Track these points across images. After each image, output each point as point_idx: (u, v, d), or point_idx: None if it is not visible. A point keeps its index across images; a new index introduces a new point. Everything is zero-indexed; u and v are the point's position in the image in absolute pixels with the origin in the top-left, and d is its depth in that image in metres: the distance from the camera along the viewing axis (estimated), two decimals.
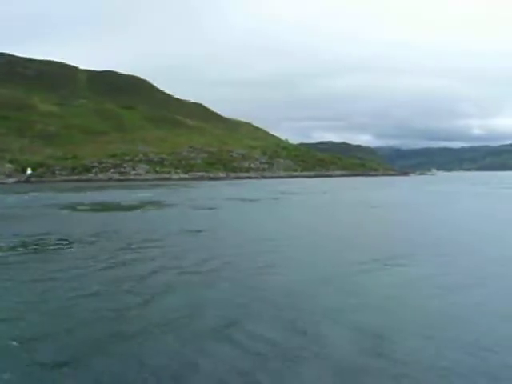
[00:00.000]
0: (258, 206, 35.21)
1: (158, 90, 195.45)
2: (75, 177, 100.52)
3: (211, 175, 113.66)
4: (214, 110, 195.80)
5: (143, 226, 21.35)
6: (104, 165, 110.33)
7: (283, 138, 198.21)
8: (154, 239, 16.61)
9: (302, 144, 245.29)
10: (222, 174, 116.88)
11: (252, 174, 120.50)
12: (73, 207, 32.33)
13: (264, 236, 17.73)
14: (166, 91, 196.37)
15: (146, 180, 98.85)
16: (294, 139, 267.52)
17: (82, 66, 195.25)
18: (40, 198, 42.48)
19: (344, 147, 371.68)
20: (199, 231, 19.35)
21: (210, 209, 31.25)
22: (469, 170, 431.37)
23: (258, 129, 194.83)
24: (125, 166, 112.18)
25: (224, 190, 59.86)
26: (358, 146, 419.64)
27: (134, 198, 42.35)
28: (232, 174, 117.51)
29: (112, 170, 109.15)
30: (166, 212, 29.77)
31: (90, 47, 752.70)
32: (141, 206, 33.62)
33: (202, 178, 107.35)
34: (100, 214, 29.52)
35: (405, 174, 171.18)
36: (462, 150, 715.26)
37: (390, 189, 63.73)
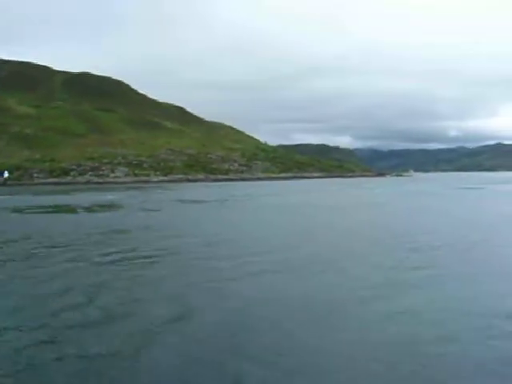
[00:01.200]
0: (200, 207, 36.22)
1: (137, 92, 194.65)
2: (53, 180, 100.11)
3: (190, 177, 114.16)
4: (194, 112, 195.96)
5: (67, 229, 21.83)
6: (82, 167, 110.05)
7: (262, 140, 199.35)
8: (61, 242, 17.23)
9: (281, 146, 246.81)
10: (201, 177, 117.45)
11: (231, 176, 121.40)
12: (21, 210, 33.12)
13: (172, 234, 19.20)
14: (145, 93, 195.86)
15: (125, 183, 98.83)
16: (274, 141, 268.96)
17: (57, 68, 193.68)
18: None
19: (323, 149, 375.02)
20: (119, 232, 20.30)
21: (154, 210, 32.23)
22: (446, 170, 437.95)
23: (237, 131, 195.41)
24: (103, 168, 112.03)
25: (190, 192, 60.91)
26: (337, 148, 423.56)
27: (96, 200, 43.29)
28: (211, 177, 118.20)
29: (90, 173, 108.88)
30: (109, 214, 30.68)
31: (65, 48, 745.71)
32: (91, 208, 34.69)
33: (181, 181, 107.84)
34: (39, 215, 29.81)
35: (381, 175, 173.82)
36: (439, 151, 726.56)
37: (349, 190, 66.07)
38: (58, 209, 34.97)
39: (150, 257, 13.91)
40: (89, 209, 34.14)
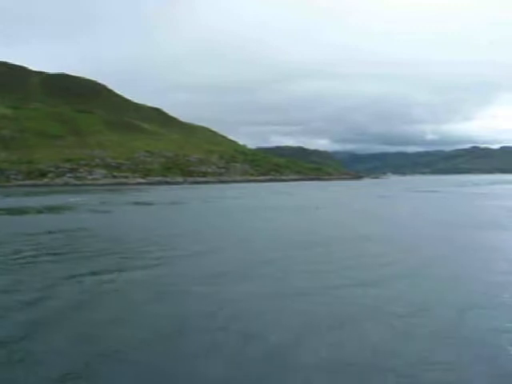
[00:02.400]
0: (149, 209, 37.44)
1: (115, 93, 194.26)
2: (30, 181, 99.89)
3: (169, 180, 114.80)
4: (172, 114, 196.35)
5: None
6: (60, 169, 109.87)
7: (241, 142, 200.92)
8: None
9: (259, 148, 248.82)
10: (179, 179, 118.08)
11: (209, 179, 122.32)
12: None
13: (89, 234, 20.49)
14: (123, 95, 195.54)
15: (103, 185, 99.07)
16: (253, 144, 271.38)
17: (34, 68, 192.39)
18: None
19: (301, 152, 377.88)
20: (48, 232, 21.18)
21: (101, 212, 33.30)
22: (423, 173, 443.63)
23: (215, 133, 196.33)
24: (81, 170, 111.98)
25: (157, 194, 61.85)
26: (316, 151, 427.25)
27: (54, 202, 44.39)
28: (189, 179, 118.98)
29: (68, 175, 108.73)
30: (46, 216, 31.63)
31: (41, 49, 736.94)
32: (40, 210, 35.89)
33: (159, 183, 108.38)
34: None
35: (359, 177, 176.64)
36: (417, 154, 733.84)
37: (311, 192, 67.83)
38: (5, 211, 35.52)
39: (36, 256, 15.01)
40: (37, 210, 35.27)
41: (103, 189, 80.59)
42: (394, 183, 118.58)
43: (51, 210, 36.16)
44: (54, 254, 15.16)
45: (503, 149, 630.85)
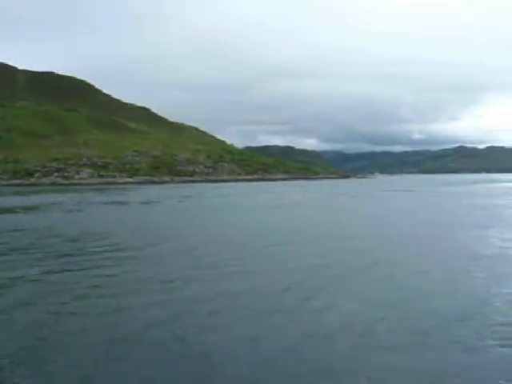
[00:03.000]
0: (122, 208, 38.03)
1: (102, 92, 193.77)
2: (17, 181, 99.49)
3: (156, 179, 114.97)
4: (159, 113, 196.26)
5: None
6: (47, 169, 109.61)
7: (229, 141, 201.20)
8: None
9: (247, 148, 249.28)
10: (166, 178, 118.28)
11: (197, 178, 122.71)
12: None
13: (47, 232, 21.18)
14: (110, 94, 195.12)
15: (90, 184, 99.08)
16: (240, 143, 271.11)
17: (20, 66, 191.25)
18: None
19: (289, 151, 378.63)
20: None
21: (72, 212, 33.96)
22: (411, 173, 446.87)
23: (203, 133, 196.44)
24: (68, 170, 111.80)
25: (138, 193, 62.45)
26: (304, 150, 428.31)
27: (35, 201, 44.75)
28: (177, 178, 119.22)
29: (55, 174, 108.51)
30: (12, 215, 32.28)
31: (28, 47, 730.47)
32: (16, 209, 36.40)
33: (146, 182, 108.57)
34: None
35: (345, 177, 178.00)
36: (404, 153, 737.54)
37: (289, 191, 68.93)
38: None
39: None
40: (11, 210, 35.75)
41: (89, 188, 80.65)
42: (373, 183, 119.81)
43: (26, 209, 36.46)
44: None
45: (489, 148, 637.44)
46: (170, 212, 34.28)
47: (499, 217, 27.48)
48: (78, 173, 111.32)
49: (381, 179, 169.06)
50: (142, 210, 37.21)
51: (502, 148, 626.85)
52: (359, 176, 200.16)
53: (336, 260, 14.03)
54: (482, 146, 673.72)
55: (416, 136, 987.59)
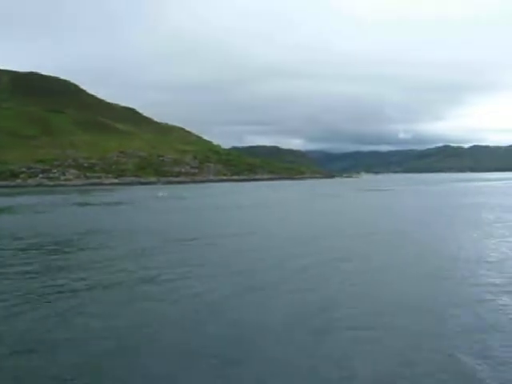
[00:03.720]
0: (93, 209, 38.84)
1: (87, 93, 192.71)
2: (2, 182, 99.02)
3: (142, 180, 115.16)
4: (146, 114, 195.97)
5: None
6: (33, 170, 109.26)
7: (215, 142, 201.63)
8: None
9: (234, 148, 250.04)
10: (153, 179, 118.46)
11: (183, 179, 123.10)
12: None
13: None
14: (95, 95, 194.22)
15: (76, 185, 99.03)
16: (227, 143, 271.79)
17: (3, 67, 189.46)
18: None
19: (276, 151, 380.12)
20: None
21: (39, 213, 34.89)
22: (396, 172, 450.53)
23: (189, 133, 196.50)
24: (54, 171, 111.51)
25: (116, 194, 63.08)
26: (290, 150, 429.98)
27: (6, 203, 45.69)
28: (163, 179, 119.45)
29: (41, 176, 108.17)
30: None
31: (11, 47, 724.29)
32: None
33: (132, 183, 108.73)
34: None
35: (331, 176, 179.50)
36: (390, 153, 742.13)
37: (267, 191, 70.51)
38: None
39: None
40: None
41: (74, 189, 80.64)
42: (354, 182, 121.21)
43: None
44: None
45: (474, 148, 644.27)
46: (126, 213, 34.66)
47: (444, 215, 28.91)
48: (63, 174, 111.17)
49: (365, 179, 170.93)
50: (107, 211, 37.51)
51: (487, 147, 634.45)
52: (345, 176, 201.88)
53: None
54: (466, 146, 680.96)
55: (402, 135, 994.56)
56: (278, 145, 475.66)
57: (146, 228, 23.65)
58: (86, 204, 44.03)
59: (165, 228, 23.64)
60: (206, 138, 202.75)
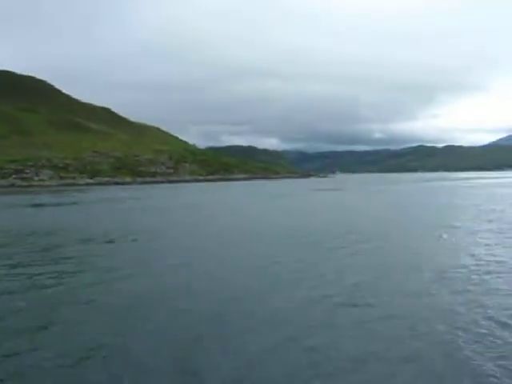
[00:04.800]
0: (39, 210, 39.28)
1: (61, 92, 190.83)
2: None
3: (118, 180, 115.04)
4: (120, 113, 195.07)
5: None
6: (5, 170, 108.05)
7: (192, 142, 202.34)
8: None
9: (210, 148, 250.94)
10: (128, 179, 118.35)
11: (158, 179, 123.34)
12: None
13: None
14: (70, 94, 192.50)
15: (50, 186, 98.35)
16: (203, 143, 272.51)
17: None
18: None
19: (252, 151, 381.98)
20: None
21: None
22: (372, 172, 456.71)
23: (165, 133, 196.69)
24: (27, 171, 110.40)
25: (78, 195, 62.66)
26: (266, 150, 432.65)
27: None
28: (139, 179, 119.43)
29: (14, 176, 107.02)
30: None
31: None
32: None
33: (107, 183, 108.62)
34: None
35: (305, 176, 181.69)
36: (365, 153, 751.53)
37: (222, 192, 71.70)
38: None
39: None
40: None
41: (47, 190, 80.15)
42: (320, 182, 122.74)
43: None
44: None
45: (447, 148, 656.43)
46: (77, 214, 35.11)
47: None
48: (37, 174, 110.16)
49: (338, 178, 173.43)
50: (41, 212, 37.76)
51: (460, 147, 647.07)
52: (321, 175, 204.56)
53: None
54: (440, 145, 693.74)
55: (377, 135, 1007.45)
56: (254, 145, 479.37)
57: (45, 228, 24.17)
58: (41, 205, 44.11)
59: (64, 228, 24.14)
60: (182, 138, 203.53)
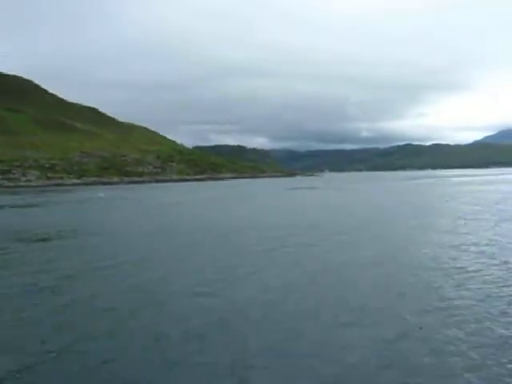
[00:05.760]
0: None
1: (47, 92, 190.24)
2: None
3: (105, 180, 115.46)
4: (109, 113, 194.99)
5: None
6: None
7: (180, 141, 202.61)
8: None
9: (198, 147, 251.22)
10: (115, 179, 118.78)
11: (145, 179, 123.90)
12: None
13: None
14: (56, 94, 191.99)
15: (37, 186, 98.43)
16: (191, 143, 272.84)
17: None
18: None
19: (240, 150, 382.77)
20: None
21: None
22: (360, 170, 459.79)
23: (153, 133, 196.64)
24: (14, 172, 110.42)
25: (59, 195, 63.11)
26: (254, 149, 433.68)
27: None
28: (126, 179, 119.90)
29: (0, 177, 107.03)
30: None
31: None
32: None
33: (94, 183, 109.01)
34: None
35: (292, 175, 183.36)
36: (354, 151, 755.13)
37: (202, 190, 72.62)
38: None
39: None
40: None
41: (33, 190, 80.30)
42: (304, 181, 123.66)
43: None
44: None
45: (435, 146, 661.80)
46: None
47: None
48: (24, 175, 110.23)
49: (326, 177, 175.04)
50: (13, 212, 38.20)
51: (447, 145, 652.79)
52: (308, 174, 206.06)
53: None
54: (427, 144, 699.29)
55: (364, 134, 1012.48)
56: (243, 144, 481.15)
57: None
58: (14, 206, 44.33)
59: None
60: (169, 137, 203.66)
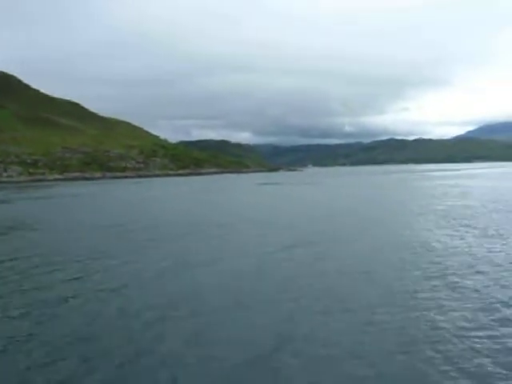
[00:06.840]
0: None
1: (29, 87, 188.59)
2: None
3: (87, 175, 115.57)
4: (90, 108, 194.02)
5: None
6: None
7: (163, 136, 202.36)
8: None
9: (181, 142, 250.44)
10: (98, 174, 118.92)
11: (128, 174, 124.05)
12: None
13: None
14: (38, 89, 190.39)
15: (19, 182, 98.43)
16: (175, 138, 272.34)
17: None
18: None
19: (224, 145, 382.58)
20: None
21: None
22: (344, 165, 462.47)
23: (136, 128, 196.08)
24: None
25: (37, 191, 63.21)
26: (238, 144, 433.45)
27: None
28: (108, 174, 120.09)
29: None
30: None
31: None
32: None
33: (77, 179, 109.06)
34: None
35: (274, 170, 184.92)
36: (337, 146, 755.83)
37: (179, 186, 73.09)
38: None
39: None
40: None
41: (14, 186, 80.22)
42: (281, 176, 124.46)
43: None
44: None
45: (417, 141, 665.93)
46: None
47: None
48: (5, 170, 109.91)
49: (309, 171, 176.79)
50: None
51: (430, 140, 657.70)
52: (291, 169, 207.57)
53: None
54: (410, 138, 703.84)
55: (347, 129, 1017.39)
56: (227, 138, 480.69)
57: None
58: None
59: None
60: (153, 132, 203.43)
